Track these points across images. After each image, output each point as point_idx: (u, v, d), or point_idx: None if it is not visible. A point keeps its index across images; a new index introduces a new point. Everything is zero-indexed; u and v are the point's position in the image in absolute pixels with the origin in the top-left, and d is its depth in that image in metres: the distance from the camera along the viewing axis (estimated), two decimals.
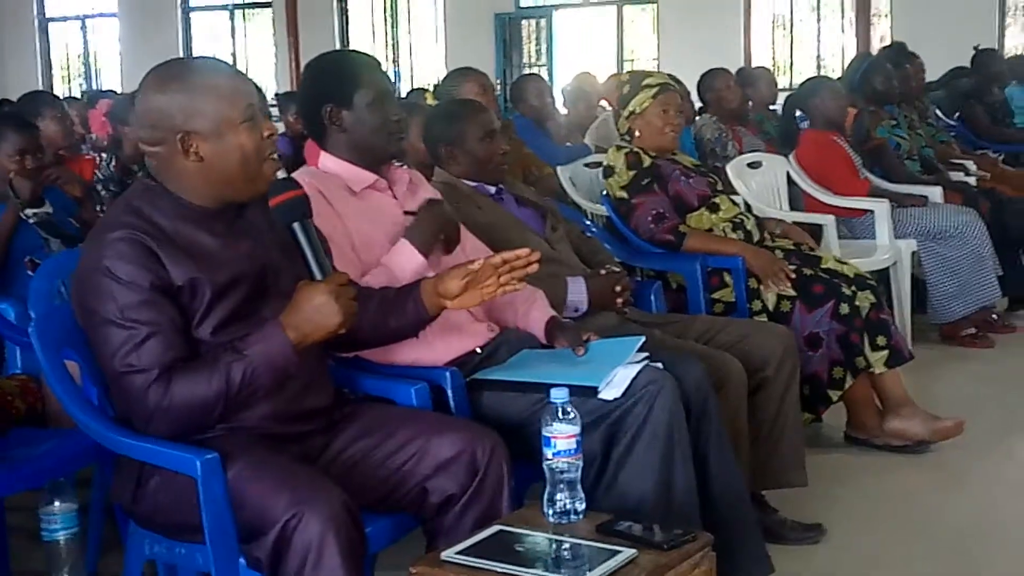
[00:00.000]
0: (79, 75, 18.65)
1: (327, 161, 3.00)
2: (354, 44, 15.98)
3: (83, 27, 18.64)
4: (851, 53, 12.03)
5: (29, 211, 4.19)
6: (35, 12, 18.55)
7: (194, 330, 2.33)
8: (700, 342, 3.40)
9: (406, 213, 3.00)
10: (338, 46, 15.61)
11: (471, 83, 4.73)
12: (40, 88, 14.85)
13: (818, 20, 13.64)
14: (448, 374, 2.75)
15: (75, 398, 2.43)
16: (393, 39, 16.29)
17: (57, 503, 3.07)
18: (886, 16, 12.87)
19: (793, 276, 4.08)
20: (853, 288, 4.08)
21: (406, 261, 2.84)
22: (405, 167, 3.15)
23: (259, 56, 17.00)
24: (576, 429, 2.28)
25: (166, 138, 2.35)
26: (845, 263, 4.28)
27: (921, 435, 4.15)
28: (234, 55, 17.12)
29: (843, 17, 13.22)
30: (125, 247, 2.27)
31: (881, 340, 4.06)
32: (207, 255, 2.35)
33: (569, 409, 2.28)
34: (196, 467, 2.21)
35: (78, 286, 2.34)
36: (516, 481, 2.56)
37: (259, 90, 4.00)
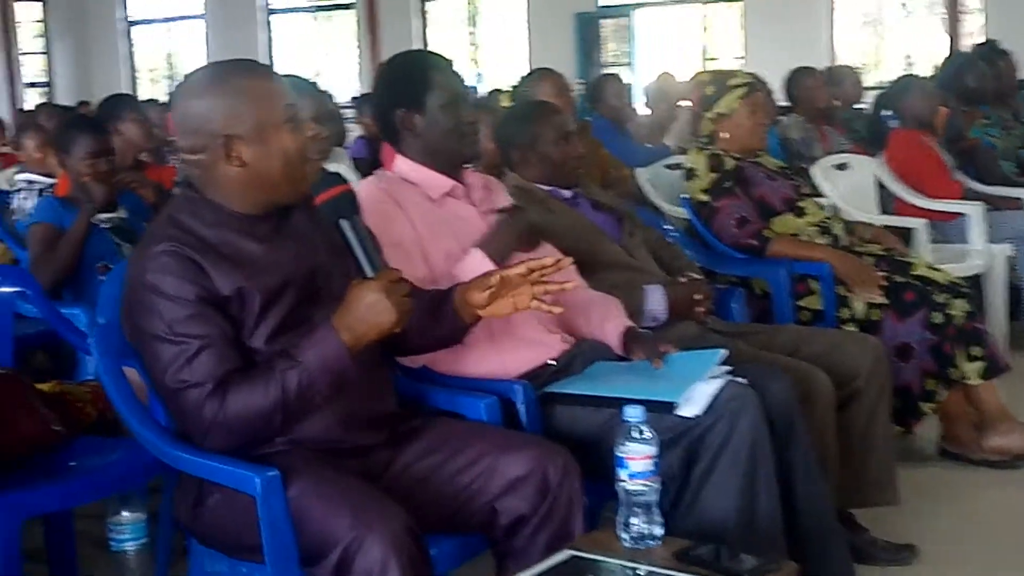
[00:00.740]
0: (164, 78, 18.85)
1: (403, 165, 2.93)
2: (434, 45, 15.96)
3: (168, 30, 18.84)
4: (940, 51, 11.72)
5: (103, 216, 4.16)
6: (120, 15, 18.80)
7: (247, 340, 2.25)
8: (785, 353, 3.25)
9: (498, 210, 2.91)
10: (418, 47, 15.61)
11: (547, 84, 4.63)
12: (125, 92, 15.00)
13: (906, 17, 13.32)
14: (519, 388, 2.63)
15: (133, 410, 2.36)
16: (474, 40, 16.24)
17: (125, 513, 3.01)
18: (978, 12, 12.52)
19: (883, 283, 3.91)
20: (946, 296, 3.90)
21: (472, 271, 2.74)
22: (478, 172, 3.05)
23: (341, 57, 17.05)
24: (653, 449, 2.16)
25: (208, 144, 2.28)
26: (938, 269, 4.10)
27: (1021, 450, 3.96)
28: (316, 57, 17.19)
29: (932, 14, 12.89)
30: (168, 260, 2.21)
31: (976, 351, 3.88)
32: (253, 262, 2.27)
33: (644, 428, 2.16)
34: (256, 485, 2.12)
35: (125, 304, 2.28)
36: (591, 499, 2.46)
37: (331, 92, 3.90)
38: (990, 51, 6.97)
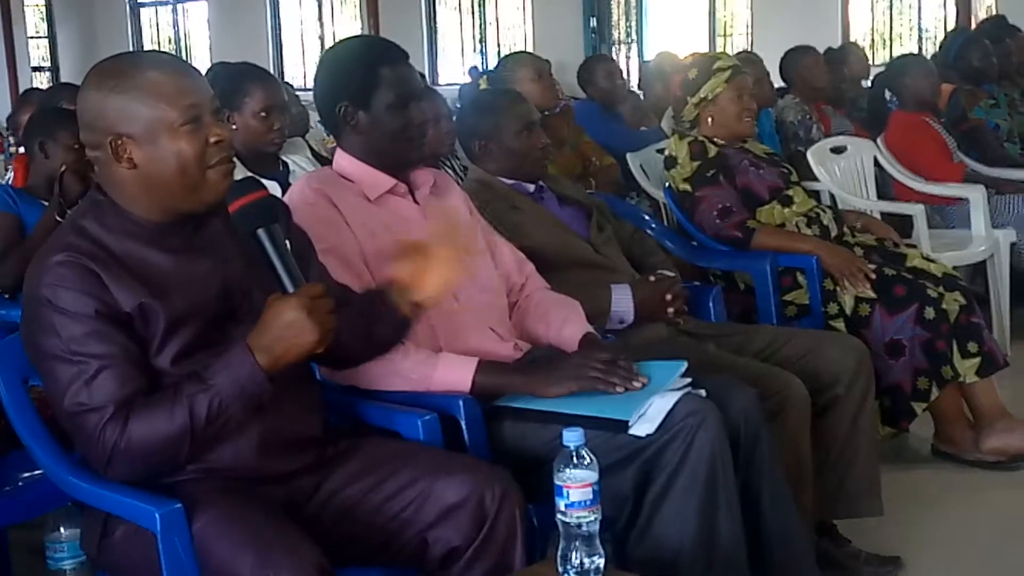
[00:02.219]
0: None
1: (342, 161, 2.73)
2: (441, 24, 15.74)
3: (174, 11, 18.68)
4: (953, 25, 11.43)
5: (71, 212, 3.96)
6: None
7: (152, 360, 2.07)
8: (761, 357, 3.06)
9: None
10: (425, 28, 15.40)
11: (525, 69, 4.43)
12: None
13: None
14: (461, 402, 2.42)
15: (33, 433, 2.19)
16: (481, 18, 16.01)
17: (63, 530, 2.86)
18: None
19: (873, 276, 3.71)
20: (940, 289, 3.69)
21: (451, 376, 2.51)
22: (431, 168, 2.86)
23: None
24: (593, 476, 1.97)
25: (101, 142, 2.09)
26: (933, 261, 3.89)
27: (1020, 450, 3.76)
28: (322, 38, 17.00)
29: None
30: (65, 272, 2.02)
31: (972, 347, 3.67)
32: (159, 277, 2.09)
33: (584, 452, 1.98)
34: (156, 520, 1.95)
35: (23, 319, 2.09)
36: (542, 524, 2.28)
37: None
38: (998, 27, 6.75)
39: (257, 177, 3.60)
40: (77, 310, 2.01)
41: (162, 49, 18.56)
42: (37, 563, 3.00)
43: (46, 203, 3.87)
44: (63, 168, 3.85)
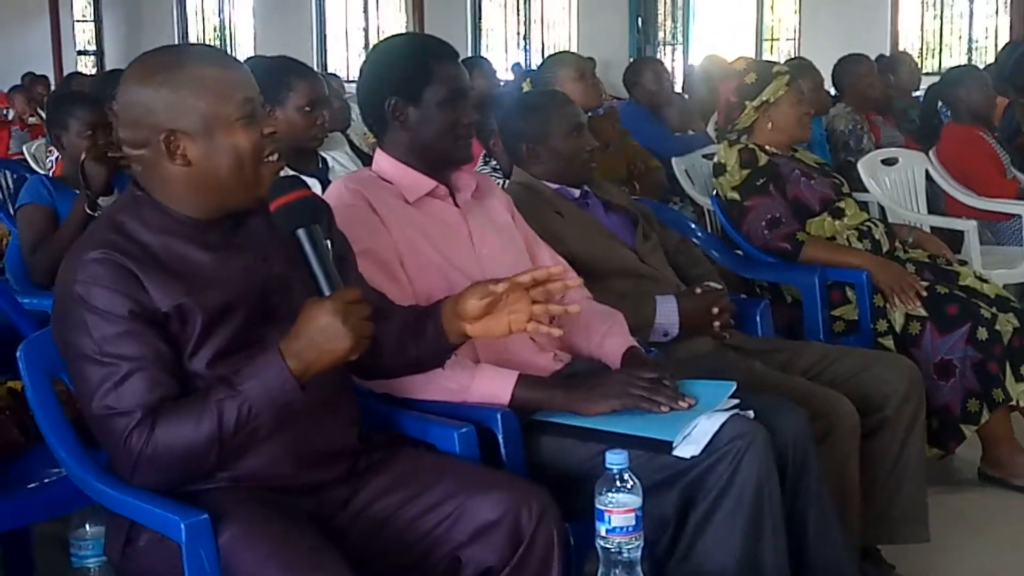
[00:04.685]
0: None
1: (382, 161, 2.65)
2: (486, 20, 15.67)
3: (219, 0, 18.71)
4: (1005, 37, 11.26)
5: (102, 200, 3.91)
6: None
7: (187, 362, 2.00)
8: (809, 375, 2.97)
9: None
10: (469, 23, 15.34)
11: (567, 69, 4.34)
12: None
13: (971, 2, 12.83)
14: (499, 415, 2.34)
15: (58, 435, 2.13)
16: (526, 15, 15.93)
17: (88, 527, 2.79)
18: None
19: (924, 293, 3.60)
20: (994, 310, 3.58)
21: (489, 388, 2.42)
22: (473, 171, 2.78)
23: (390, 33, 16.79)
24: (637, 501, 1.90)
25: (149, 139, 2.02)
26: (986, 281, 3.78)
27: None
28: (366, 31, 16.98)
29: None
30: (100, 269, 1.95)
31: None
32: (198, 274, 2.02)
33: (628, 476, 1.90)
34: (181, 531, 1.88)
35: (54, 315, 2.03)
36: (579, 543, 2.19)
37: None
38: None
39: (299, 175, 3.56)
40: (110, 309, 1.95)
41: (206, 38, 18.63)
42: (62, 559, 2.95)
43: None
44: (83, 157, 3.81)
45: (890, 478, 2.99)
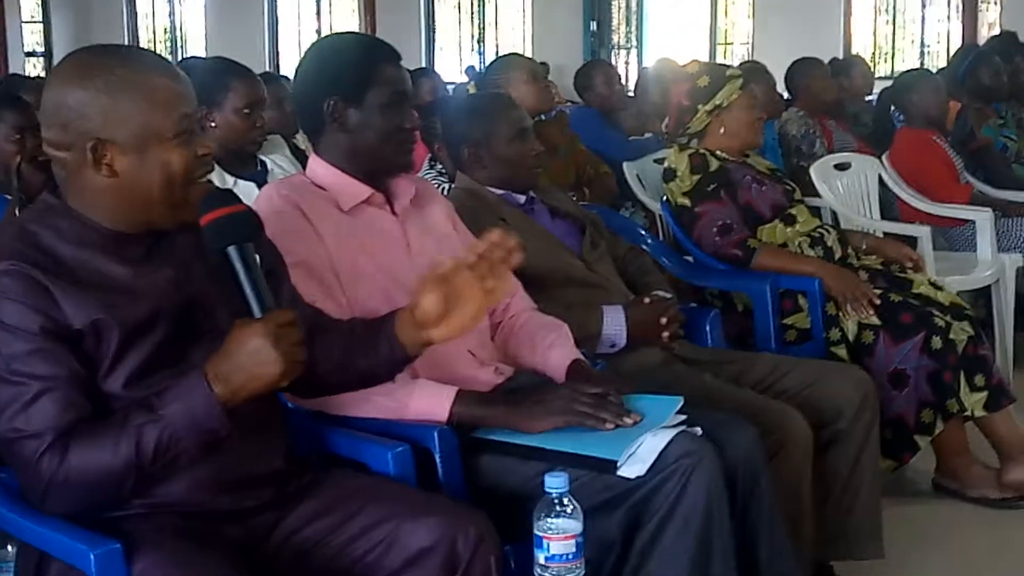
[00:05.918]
0: (167, 51, 18.47)
1: (316, 167, 2.53)
2: (439, 22, 15.57)
3: (170, 1, 18.47)
4: (957, 41, 11.30)
5: None
6: None
7: (103, 382, 1.88)
8: (760, 387, 2.89)
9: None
10: (423, 25, 15.23)
11: (518, 71, 4.24)
12: None
13: (923, 7, 12.87)
14: (436, 434, 2.23)
15: None
16: (480, 18, 15.85)
17: (11, 548, 2.67)
18: (995, 3, 12.06)
19: (878, 302, 3.53)
20: (948, 318, 3.51)
21: (426, 405, 2.32)
22: (413, 177, 2.68)
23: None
24: (577, 527, 1.81)
25: (75, 143, 1.90)
26: (940, 288, 3.71)
27: None
28: (319, 32, 16.81)
29: (949, 4, 12.43)
30: (9, 282, 1.83)
31: (979, 380, 3.48)
32: (116, 288, 1.90)
33: (568, 501, 1.80)
34: (90, 561, 1.76)
35: None
36: (521, 566, 2.09)
37: None
38: (1008, 45, 6.59)
39: (235, 177, 3.44)
40: (20, 325, 1.83)
41: (157, 39, 18.39)
42: None
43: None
44: (18, 160, 3.67)
45: (844, 493, 2.93)
